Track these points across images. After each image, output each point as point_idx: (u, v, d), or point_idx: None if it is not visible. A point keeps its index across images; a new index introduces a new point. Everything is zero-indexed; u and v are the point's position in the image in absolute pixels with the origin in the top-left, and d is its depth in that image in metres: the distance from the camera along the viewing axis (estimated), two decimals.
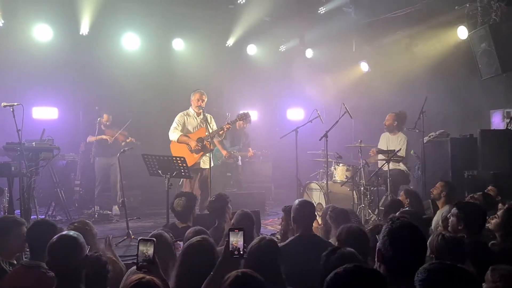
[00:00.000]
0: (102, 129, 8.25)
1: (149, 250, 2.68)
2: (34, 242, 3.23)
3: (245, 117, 7.21)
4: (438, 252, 2.84)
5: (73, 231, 2.84)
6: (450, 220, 3.64)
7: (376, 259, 2.26)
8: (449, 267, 1.82)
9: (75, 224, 3.66)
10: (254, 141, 9.41)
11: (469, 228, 3.44)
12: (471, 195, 5.10)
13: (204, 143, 6.54)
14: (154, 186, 8.74)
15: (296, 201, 3.99)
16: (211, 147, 6.54)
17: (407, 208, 4.02)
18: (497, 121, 8.48)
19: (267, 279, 2.47)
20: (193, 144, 6.49)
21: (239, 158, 8.91)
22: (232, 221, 4.36)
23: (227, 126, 6.64)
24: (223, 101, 9.83)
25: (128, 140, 8.24)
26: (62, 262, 2.56)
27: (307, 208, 3.87)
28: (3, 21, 8.18)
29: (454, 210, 3.60)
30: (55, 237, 2.68)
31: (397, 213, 3.90)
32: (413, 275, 2.03)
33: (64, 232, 2.77)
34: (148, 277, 2.18)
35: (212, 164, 6.55)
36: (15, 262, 3.45)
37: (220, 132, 6.67)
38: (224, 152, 8.27)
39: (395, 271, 2.15)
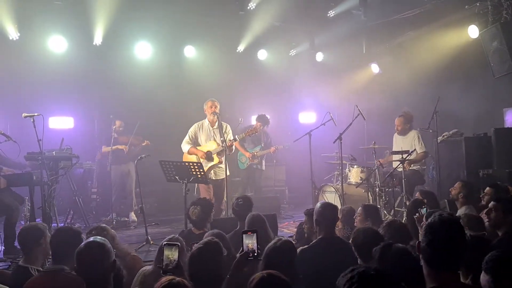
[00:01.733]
0: (115, 137, 8.35)
1: (174, 254, 2.76)
2: (57, 248, 3.25)
3: (261, 119, 7.27)
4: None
5: (100, 237, 2.90)
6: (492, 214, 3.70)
7: (417, 251, 2.32)
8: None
9: (93, 232, 3.73)
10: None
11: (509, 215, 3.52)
12: (483, 192, 5.12)
13: (212, 156, 6.66)
14: (169, 192, 8.87)
15: (319, 204, 4.02)
16: (220, 160, 6.63)
17: (424, 210, 4.03)
18: (511, 119, 8.44)
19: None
20: (200, 154, 6.62)
21: (263, 163, 8.94)
22: (245, 225, 4.39)
23: (230, 143, 6.65)
24: (235, 107, 9.91)
25: (144, 144, 8.34)
26: (90, 268, 2.61)
27: (330, 211, 3.90)
28: (19, 34, 8.35)
29: (492, 203, 3.70)
30: (82, 244, 2.73)
31: (416, 214, 3.92)
32: (448, 268, 2.07)
33: (91, 239, 2.82)
34: (178, 278, 2.24)
35: (228, 173, 6.67)
36: (41, 269, 3.52)
37: (229, 144, 6.63)
38: (247, 154, 8.38)
39: (429, 263, 2.19)
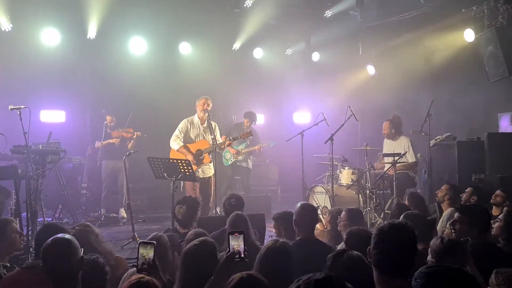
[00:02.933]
0: (108, 132, 8.31)
1: (150, 253, 2.69)
2: (41, 245, 3.19)
3: (248, 116, 7.19)
4: (437, 256, 2.82)
5: (68, 234, 2.81)
6: (456, 225, 3.61)
7: (368, 258, 2.28)
8: (447, 269, 1.80)
9: (76, 227, 3.67)
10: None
11: (475, 228, 3.43)
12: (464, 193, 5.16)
13: (203, 156, 6.58)
14: (161, 189, 8.76)
15: (298, 204, 3.94)
16: (210, 159, 6.60)
17: (411, 211, 3.99)
18: (505, 125, 8.40)
19: (281, 281, 2.45)
20: (190, 158, 6.42)
21: (249, 161, 8.85)
22: (226, 224, 4.31)
23: (228, 142, 6.74)
24: (229, 105, 9.85)
25: (135, 136, 8.27)
26: (56, 264, 2.54)
27: (309, 211, 3.82)
28: (11, 25, 8.27)
29: (456, 214, 3.58)
30: (49, 240, 2.66)
31: (401, 216, 3.87)
32: (398, 274, 2.04)
33: (58, 235, 2.73)
34: (147, 277, 2.19)
35: (213, 172, 6.67)
36: (8, 265, 3.45)
37: (222, 147, 6.73)
38: (232, 151, 8.29)
39: (380, 270, 2.17)
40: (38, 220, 5.82)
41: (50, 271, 2.54)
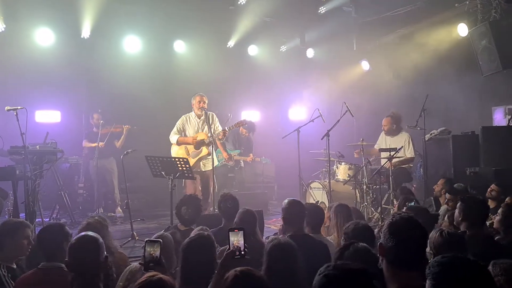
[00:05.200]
0: (95, 131, 8.25)
1: (156, 251, 2.73)
2: (47, 245, 3.17)
3: (243, 124, 7.19)
4: (436, 249, 2.85)
5: (92, 232, 2.85)
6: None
7: (378, 253, 2.28)
8: (462, 260, 1.80)
9: (96, 218, 3.81)
10: (256, 142, 9.44)
11: (469, 221, 3.47)
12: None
13: (201, 148, 6.65)
14: (158, 188, 8.76)
15: (286, 201, 3.93)
16: (209, 151, 6.65)
17: (413, 204, 4.04)
18: (499, 118, 8.48)
19: (288, 278, 2.47)
20: (189, 140, 6.65)
21: (241, 161, 8.93)
22: (235, 219, 4.34)
23: (224, 131, 6.73)
24: (225, 102, 9.86)
25: (124, 130, 8.22)
26: (83, 262, 2.56)
27: (297, 208, 3.81)
28: (4, 26, 8.22)
29: (458, 203, 3.64)
30: (74, 238, 2.69)
31: (403, 209, 3.93)
32: (414, 267, 2.05)
33: (83, 233, 2.77)
34: (158, 275, 2.21)
35: (216, 163, 6.66)
36: (14, 266, 3.44)
37: (219, 137, 6.78)
38: (224, 154, 8.29)
39: (396, 264, 2.16)
40: (37, 220, 5.81)
41: (75, 269, 2.55)
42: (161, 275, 2.27)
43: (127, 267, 3.43)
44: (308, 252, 3.04)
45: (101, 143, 8.07)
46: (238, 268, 2.31)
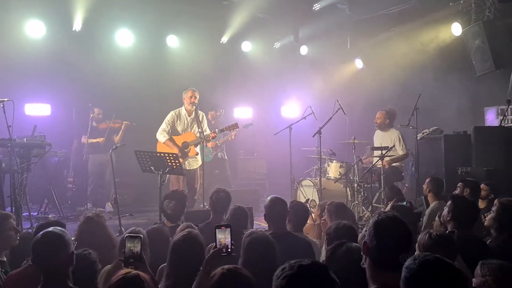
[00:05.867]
0: (94, 125, 8.21)
1: (137, 246, 2.66)
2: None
3: (235, 128, 7.12)
4: (425, 250, 2.82)
5: (59, 228, 2.76)
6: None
7: (361, 251, 2.25)
8: (435, 260, 1.79)
9: (95, 212, 3.87)
10: (249, 138, 9.38)
11: (458, 221, 3.45)
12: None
13: (189, 148, 6.55)
14: (148, 183, 8.69)
15: (268, 198, 3.90)
16: (196, 152, 6.58)
17: (399, 203, 4.01)
18: (491, 118, 8.48)
19: (265, 271, 2.43)
20: (176, 150, 6.43)
21: (225, 153, 8.83)
22: (226, 216, 4.30)
23: (213, 134, 6.67)
24: (217, 98, 9.78)
25: (123, 126, 8.20)
26: (46, 259, 2.51)
27: (279, 205, 3.78)
28: None
29: (448, 202, 3.62)
30: (39, 233, 2.63)
31: (387, 207, 3.90)
32: (397, 267, 2.01)
33: (49, 229, 2.69)
34: (134, 271, 2.16)
35: (202, 161, 6.63)
36: (5, 259, 3.42)
37: (208, 139, 6.73)
38: (209, 144, 8.21)
39: (379, 263, 2.13)
40: (23, 214, 5.73)
41: (39, 266, 2.50)
42: (138, 272, 2.23)
43: (102, 270, 3.34)
44: (290, 250, 3.01)
45: (101, 139, 8.04)
46: (226, 266, 2.28)
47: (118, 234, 5.93)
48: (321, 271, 1.72)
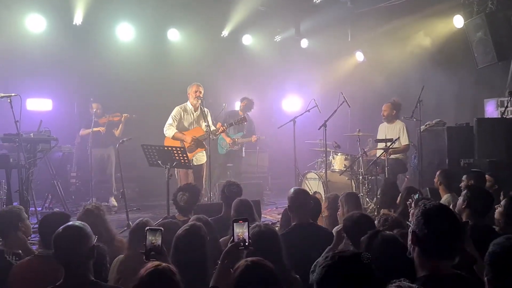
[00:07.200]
0: (95, 120, 8.18)
1: (158, 239, 2.67)
2: (45, 233, 3.12)
3: (244, 121, 7.14)
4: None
5: (79, 221, 2.79)
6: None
7: (410, 241, 2.27)
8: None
9: (93, 204, 3.86)
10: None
11: (473, 210, 3.50)
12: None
13: (202, 143, 6.56)
14: (151, 177, 8.70)
15: (292, 190, 3.94)
16: (205, 147, 6.57)
17: (417, 196, 4.02)
18: (491, 110, 8.52)
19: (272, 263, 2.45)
20: (188, 140, 6.46)
21: (243, 149, 8.81)
22: (231, 210, 4.31)
23: (223, 128, 6.70)
24: (219, 92, 9.77)
25: (123, 119, 8.19)
26: (67, 252, 2.51)
27: (302, 196, 3.83)
28: None
29: (464, 191, 3.68)
30: (60, 228, 2.62)
31: (409, 200, 3.93)
32: (447, 256, 2.05)
33: (70, 223, 2.70)
34: (163, 264, 2.18)
35: (205, 159, 6.65)
36: (20, 252, 3.43)
37: (216, 133, 6.72)
38: (228, 140, 8.24)
39: (430, 252, 2.16)
40: (30, 209, 5.74)
41: (61, 260, 2.50)
42: (166, 265, 2.24)
43: (115, 259, 3.37)
44: (315, 240, 3.03)
45: (103, 128, 8.02)
46: (249, 258, 2.29)
47: (126, 228, 5.97)
48: (361, 262, 1.76)
